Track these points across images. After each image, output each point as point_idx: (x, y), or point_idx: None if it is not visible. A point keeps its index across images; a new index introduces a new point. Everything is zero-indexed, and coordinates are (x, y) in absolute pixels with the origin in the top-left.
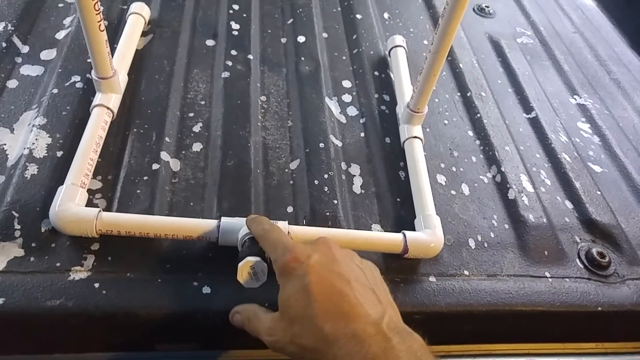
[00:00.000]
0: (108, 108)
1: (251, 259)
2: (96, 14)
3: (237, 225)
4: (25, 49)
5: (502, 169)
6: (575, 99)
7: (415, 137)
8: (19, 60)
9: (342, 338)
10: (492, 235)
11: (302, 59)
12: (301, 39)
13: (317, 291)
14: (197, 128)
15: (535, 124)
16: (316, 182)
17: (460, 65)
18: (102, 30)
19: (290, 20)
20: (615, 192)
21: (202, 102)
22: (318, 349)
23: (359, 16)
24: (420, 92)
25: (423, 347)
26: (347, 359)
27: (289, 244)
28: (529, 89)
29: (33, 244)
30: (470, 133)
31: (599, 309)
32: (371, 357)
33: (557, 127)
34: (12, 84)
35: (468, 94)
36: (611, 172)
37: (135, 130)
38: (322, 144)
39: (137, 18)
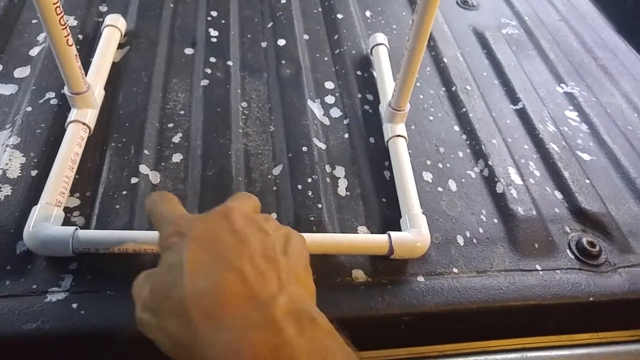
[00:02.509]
0: (84, 124)
1: None
2: (62, 29)
3: None
4: None
5: (490, 163)
6: (562, 87)
7: (399, 135)
8: None
9: (213, 333)
10: (481, 230)
11: (283, 62)
12: (282, 42)
13: (191, 268)
14: (176, 138)
15: (523, 115)
16: (300, 186)
17: (445, 59)
18: (71, 45)
19: (270, 24)
20: (604, 179)
21: (182, 112)
22: (184, 343)
23: (340, 16)
24: (401, 89)
25: (332, 338)
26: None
27: (174, 216)
28: (515, 80)
29: (8, 267)
30: (457, 128)
31: (591, 299)
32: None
33: (544, 117)
34: None
35: (453, 89)
36: (600, 160)
37: (113, 144)
38: (306, 148)
39: (113, 30)
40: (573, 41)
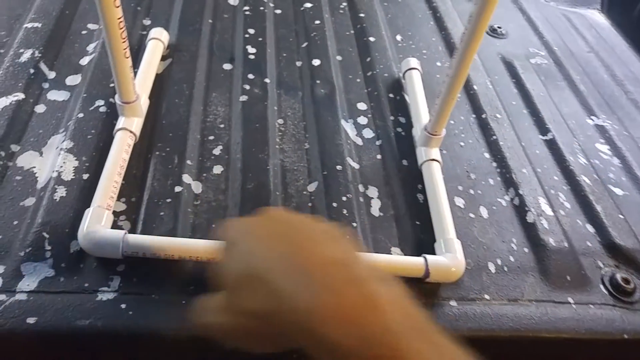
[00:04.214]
0: (131, 132)
1: None
2: (122, 42)
3: None
4: (51, 75)
5: (520, 192)
6: (592, 119)
7: (433, 159)
8: (46, 85)
9: (306, 292)
10: (512, 259)
11: (318, 82)
12: (316, 62)
13: (269, 251)
14: (217, 151)
15: (552, 145)
16: (334, 204)
17: (475, 86)
18: (128, 57)
19: (305, 44)
20: (638, 215)
21: (222, 125)
22: (275, 310)
23: (372, 39)
24: (438, 115)
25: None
26: (316, 320)
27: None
28: (545, 110)
29: (62, 265)
30: (487, 155)
31: (625, 336)
32: (355, 318)
33: (575, 149)
34: (40, 108)
35: (483, 116)
36: (633, 195)
37: (157, 153)
38: (340, 166)
39: (157, 43)
40: (603, 73)
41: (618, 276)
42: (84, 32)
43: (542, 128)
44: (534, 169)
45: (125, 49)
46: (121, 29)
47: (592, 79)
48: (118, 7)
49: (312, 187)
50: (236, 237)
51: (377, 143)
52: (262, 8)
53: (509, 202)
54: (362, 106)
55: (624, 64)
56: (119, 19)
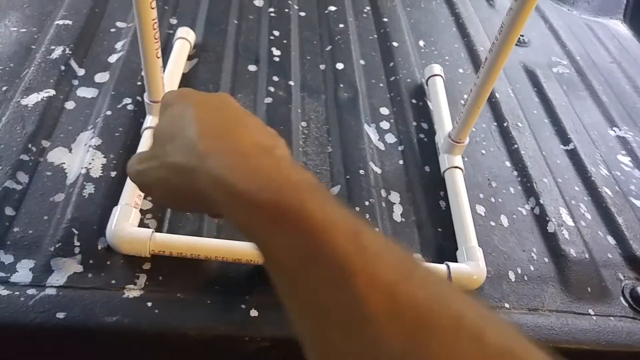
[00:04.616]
0: None
1: None
2: (155, 42)
3: None
4: (81, 72)
5: (541, 201)
6: (614, 130)
7: (456, 167)
8: (75, 82)
9: (221, 152)
10: (532, 268)
11: (341, 85)
12: (339, 65)
13: (199, 115)
14: None
15: (574, 156)
16: (357, 208)
17: (497, 94)
18: (159, 57)
19: (329, 47)
20: None
21: None
22: (190, 166)
23: (395, 44)
24: (463, 123)
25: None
26: (227, 173)
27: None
28: (566, 119)
29: (91, 261)
30: (508, 164)
31: None
32: (262, 170)
33: (596, 160)
34: (69, 105)
35: (505, 124)
36: None
37: None
38: (362, 171)
39: (184, 42)
40: (625, 85)
41: (638, 289)
42: (112, 29)
43: (564, 138)
44: (554, 178)
45: (157, 49)
46: (155, 29)
47: (614, 89)
48: (154, 8)
49: (335, 191)
50: (174, 99)
51: (400, 148)
52: (286, 10)
53: (529, 212)
54: (384, 111)
55: None
56: (154, 19)
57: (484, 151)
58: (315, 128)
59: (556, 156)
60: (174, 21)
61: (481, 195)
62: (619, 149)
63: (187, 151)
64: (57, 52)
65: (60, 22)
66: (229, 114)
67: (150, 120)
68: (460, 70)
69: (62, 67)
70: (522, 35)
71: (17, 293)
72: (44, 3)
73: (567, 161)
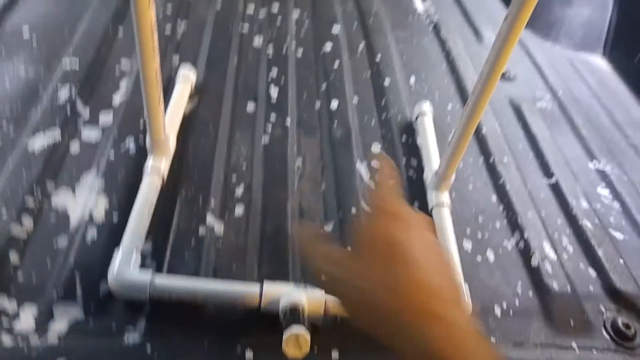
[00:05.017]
0: (159, 172)
1: (295, 331)
2: (156, 85)
3: (277, 293)
4: (86, 112)
5: (525, 236)
6: (594, 164)
7: (443, 204)
8: (80, 123)
9: (426, 315)
10: (517, 303)
11: (335, 123)
12: (334, 103)
13: (409, 257)
14: (239, 191)
15: (556, 189)
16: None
17: (483, 130)
18: (160, 99)
19: (324, 85)
20: (638, 259)
21: (244, 166)
22: (395, 311)
23: (387, 81)
24: (449, 160)
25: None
26: (433, 342)
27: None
28: (549, 153)
29: (92, 306)
30: (494, 199)
31: None
32: (466, 346)
33: (577, 193)
34: (74, 146)
35: (491, 159)
36: (633, 240)
37: (183, 192)
38: (355, 208)
39: (185, 82)
40: (605, 119)
41: (619, 321)
42: (117, 68)
43: (547, 172)
44: (538, 212)
45: (159, 95)
46: (157, 75)
47: (593, 123)
48: (156, 55)
49: (328, 228)
50: (389, 221)
51: None
52: (284, 50)
53: (514, 246)
54: (376, 148)
55: (625, 109)
56: (156, 67)
57: (471, 186)
58: (310, 166)
59: (540, 190)
60: (176, 58)
61: (468, 231)
62: (598, 181)
63: (394, 295)
64: (64, 92)
65: (68, 61)
66: (431, 262)
67: (151, 162)
68: (450, 106)
69: (68, 108)
70: (508, 71)
71: (21, 344)
72: (52, 43)
73: (550, 195)
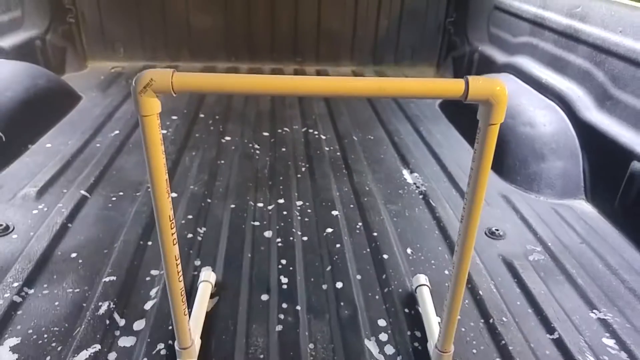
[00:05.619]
0: None
1: None
2: (181, 296)
3: None
4: (122, 323)
5: None
6: (595, 313)
7: None
8: (117, 333)
9: None
10: None
11: (342, 303)
12: (339, 284)
13: None
14: None
15: (560, 344)
16: None
17: (480, 292)
18: (186, 314)
19: (329, 267)
20: None
21: (261, 357)
22: None
23: (385, 255)
24: (445, 332)
25: None
26: None
27: None
28: (548, 308)
29: None
30: None
31: None
32: None
33: (582, 347)
34: (111, 356)
35: (491, 321)
36: None
37: None
38: None
39: (207, 285)
40: (598, 264)
41: None
42: (147, 278)
43: (548, 327)
44: None
45: (184, 304)
46: (181, 288)
47: (587, 270)
48: (181, 281)
49: None
50: None
51: (398, 359)
52: (291, 238)
53: None
54: (382, 323)
55: (616, 252)
56: (179, 274)
57: (475, 350)
58: (321, 349)
59: (544, 347)
60: (197, 262)
61: None
62: (602, 331)
63: None
64: (103, 307)
65: (107, 279)
66: None
67: None
68: (446, 272)
69: (107, 321)
70: (497, 230)
71: None
72: (94, 262)
73: (554, 351)
